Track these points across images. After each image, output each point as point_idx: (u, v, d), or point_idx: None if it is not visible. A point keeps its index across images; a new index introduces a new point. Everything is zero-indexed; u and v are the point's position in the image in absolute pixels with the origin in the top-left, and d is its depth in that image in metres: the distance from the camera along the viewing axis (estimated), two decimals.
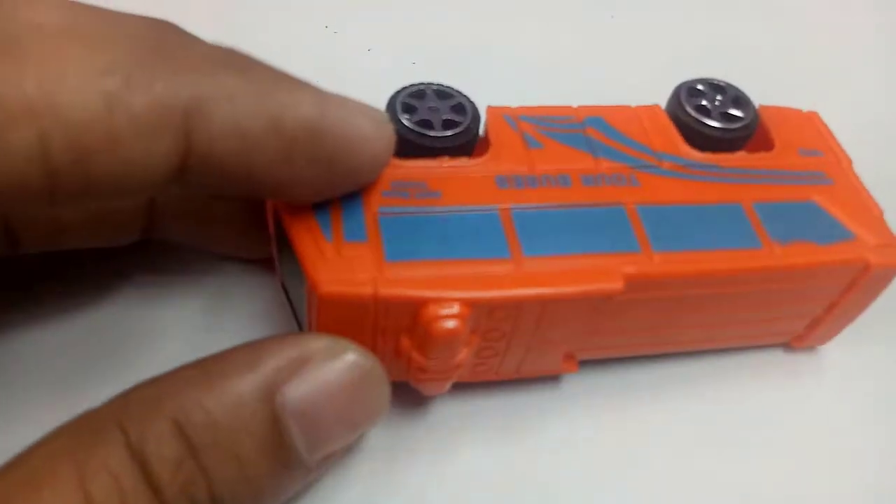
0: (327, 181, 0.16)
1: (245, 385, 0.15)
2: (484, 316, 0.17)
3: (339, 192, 0.17)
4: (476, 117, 0.20)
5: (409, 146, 0.19)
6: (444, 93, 0.20)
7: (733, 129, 0.21)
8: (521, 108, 0.21)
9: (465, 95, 0.20)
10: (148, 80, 0.13)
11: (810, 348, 0.23)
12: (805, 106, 0.23)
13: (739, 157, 0.21)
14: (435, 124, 0.19)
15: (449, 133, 0.19)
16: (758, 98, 0.22)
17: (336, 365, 0.16)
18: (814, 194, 0.20)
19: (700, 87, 0.22)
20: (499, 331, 0.18)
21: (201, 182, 0.15)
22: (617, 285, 0.17)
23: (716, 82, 0.22)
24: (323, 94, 0.16)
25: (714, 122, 0.21)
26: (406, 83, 0.20)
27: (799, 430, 0.22)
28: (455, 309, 0.16)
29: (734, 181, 0.20)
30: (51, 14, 0.13)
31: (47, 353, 0.21)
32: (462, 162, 0.19)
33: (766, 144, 0.21)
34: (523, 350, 0.19)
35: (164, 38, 0.14)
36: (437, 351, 0.17)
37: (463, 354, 0.17)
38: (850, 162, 0.21)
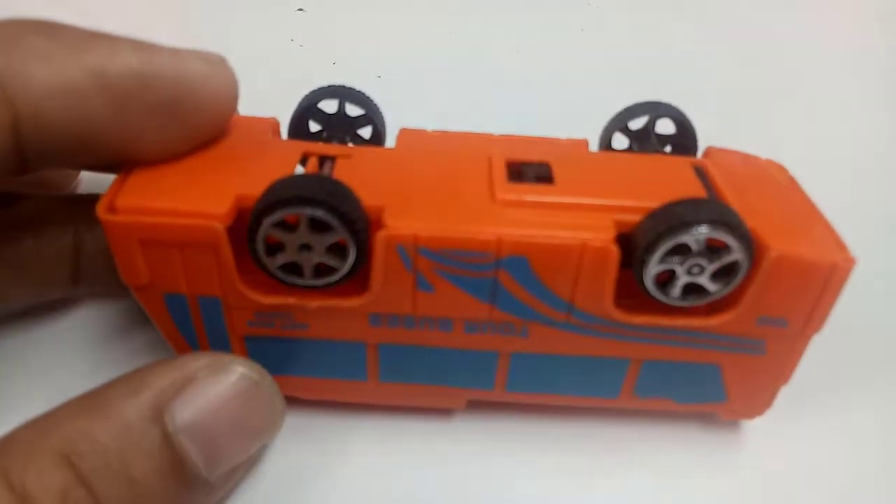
0: (175, 131, 0.17)
1: (131, 409, 0.15)
2: None
3: (191, 143, 0.17)
4: (361, 254, 0.16)
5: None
6: (320, 223, 0.16)
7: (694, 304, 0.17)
8: (429, 236, 0.16)
9: (350, 221, 0.16)
10: None
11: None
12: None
13: (672, 320, 0.17)
14: (305, 270, 0.16)
15: (320, 283, 0.17)
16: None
17: (222, 378, 0.16)
18: (725, 361, 0.18)
19: (692, 243, 0.15)
20: None
21: (45, 149, 0.16)
22: (458, 406, 0.20)
23: (724, 240, 0.15)
24: (146, 44, 0.17)
25: (675, 297, 0.17)
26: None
27: None
28: None
29: (641, 341, 0.18)
30: None
31: None
32: (333, 302, 0.17)
33: (732, 299, 0.17)
34: None
35: None
36: None
37: None
38: (818, 329, 0.17)
